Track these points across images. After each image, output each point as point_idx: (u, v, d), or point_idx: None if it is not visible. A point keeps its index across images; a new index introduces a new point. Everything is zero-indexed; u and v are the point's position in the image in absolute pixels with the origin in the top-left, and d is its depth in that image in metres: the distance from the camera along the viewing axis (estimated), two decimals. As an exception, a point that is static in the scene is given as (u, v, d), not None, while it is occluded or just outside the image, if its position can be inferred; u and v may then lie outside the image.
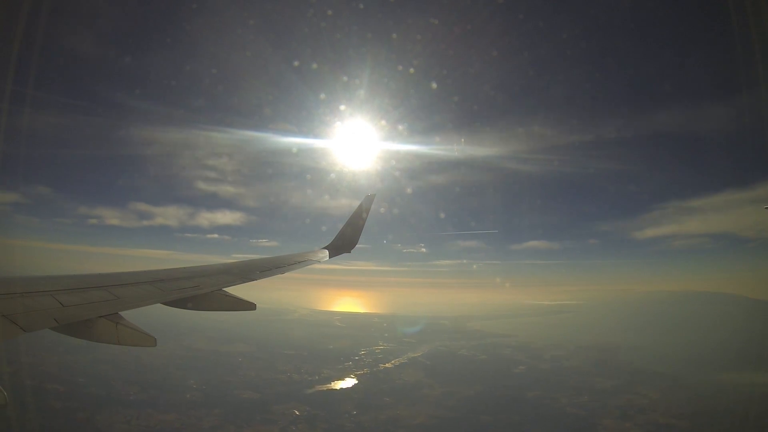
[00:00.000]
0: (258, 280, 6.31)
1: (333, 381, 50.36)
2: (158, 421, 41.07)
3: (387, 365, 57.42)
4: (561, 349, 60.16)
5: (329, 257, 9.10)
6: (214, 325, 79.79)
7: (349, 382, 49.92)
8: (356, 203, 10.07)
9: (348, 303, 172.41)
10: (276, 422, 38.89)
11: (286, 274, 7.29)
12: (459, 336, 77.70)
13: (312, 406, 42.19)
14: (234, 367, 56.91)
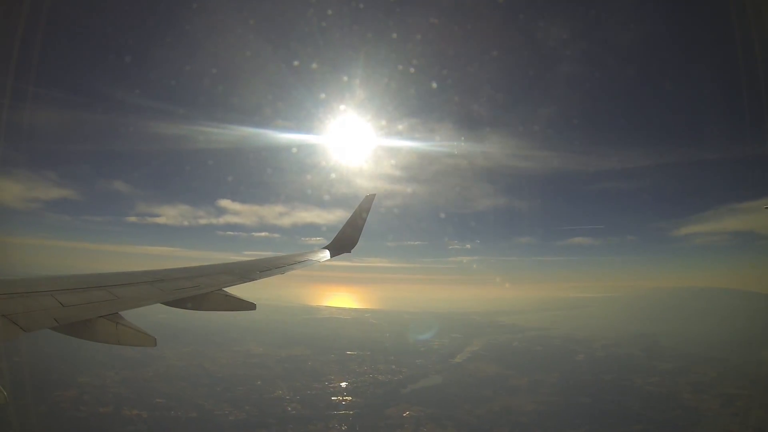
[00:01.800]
0: (259, 280, 6.50)
1: (420, 379, 55.24)
2: (281, 442, 40.54)
3: (456, 360, 63.89)
4: (605, 339, 69.43)
5: (330, 257, 9.44)
6: (257, 327, 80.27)
7: (436, 379, 55.32)
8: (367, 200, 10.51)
9: (368, 300, 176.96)
10: (403, 426, 41.77)
11: (290, 273, 7.59)
12: (500, 330, 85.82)
13: (423, 405, 46.17)
14: (311, 372, 59.19)
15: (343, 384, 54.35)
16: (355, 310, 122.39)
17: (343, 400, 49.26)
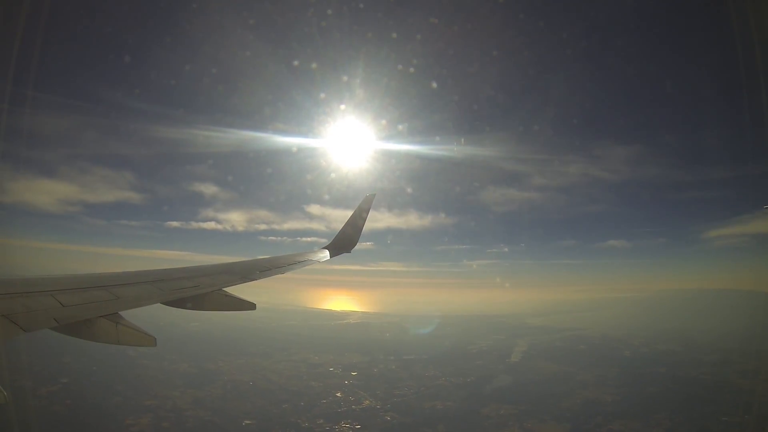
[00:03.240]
0: (262, 281, 6.66)
1: (492, 379, 59.23)
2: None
3: (513, 360, 68.92)
4: (641, 337, 76.81)
5: (329, 257, 9.52)
6: (299, 333, 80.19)
7: (507, 378, 59.80)
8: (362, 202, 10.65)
9: (389, 304, 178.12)
10: (508, 424, 45.02)
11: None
12: (535, 331, 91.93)
13: (511, 403, 49.66)
14: (382, 378, 60.71)
15: (422, 389, 57.14)
16: (382, 314, 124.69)
17: (437, 405, 51.08)
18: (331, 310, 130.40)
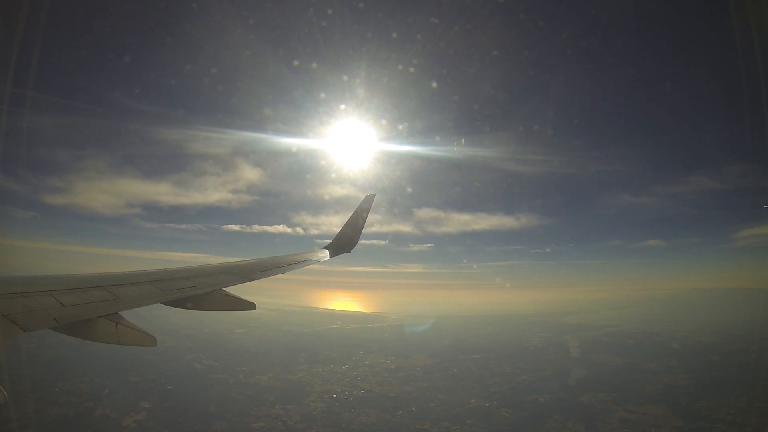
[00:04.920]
0: (259, 280, 6.81)
1: (569, 372, 64.41)
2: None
3: (574, 354, 75.00)
4: (680, 332, 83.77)
5: (329, 257, 9.83)
6: (356, 336, 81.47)
7: (581, 371, 65.54)
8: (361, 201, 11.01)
9: (420, 305, 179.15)
10: (613, 409, 49.53)
11: (298, 275, 7.90)
12: (575, 329, 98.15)
13: (601, 392, 55.14)
14: (468, 377, 63.98)
15: (513, 385, 61.05)
16: (415, 316, 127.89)
17: (536, 398, 54.97)
18: (364, 312, 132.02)
